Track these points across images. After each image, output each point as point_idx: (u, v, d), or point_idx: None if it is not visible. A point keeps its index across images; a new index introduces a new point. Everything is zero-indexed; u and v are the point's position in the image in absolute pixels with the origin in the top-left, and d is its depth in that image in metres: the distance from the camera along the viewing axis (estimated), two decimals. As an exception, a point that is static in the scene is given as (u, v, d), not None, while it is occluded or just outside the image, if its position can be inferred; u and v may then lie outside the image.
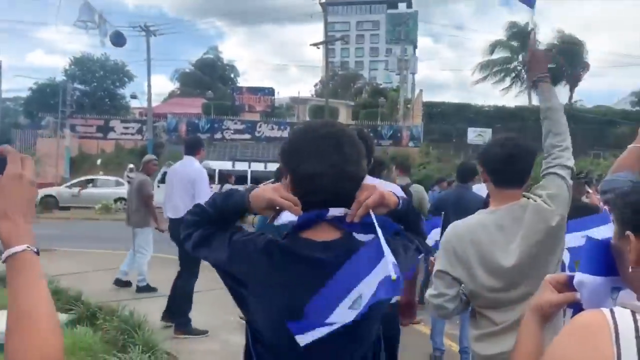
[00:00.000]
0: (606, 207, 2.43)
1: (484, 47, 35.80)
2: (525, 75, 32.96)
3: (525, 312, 1.19)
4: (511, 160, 2.06)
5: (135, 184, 7.09)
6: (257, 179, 14.41)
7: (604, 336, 0.91)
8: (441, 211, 4.59)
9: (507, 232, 2.02)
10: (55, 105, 29.11)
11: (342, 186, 1.29)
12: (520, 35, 32.83)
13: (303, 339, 1.19)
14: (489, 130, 27.89)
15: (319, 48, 34.11)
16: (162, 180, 14.32)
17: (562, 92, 33.71)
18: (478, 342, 2.08)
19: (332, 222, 1.31)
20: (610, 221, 1.21)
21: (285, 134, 27.13)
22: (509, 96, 41.47)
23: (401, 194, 1.61)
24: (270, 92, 33.56)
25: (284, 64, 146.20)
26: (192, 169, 5.32)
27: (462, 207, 4.06)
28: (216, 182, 14.69)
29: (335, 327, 1.20)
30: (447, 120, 31.90)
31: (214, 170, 16.14)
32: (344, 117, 34.15)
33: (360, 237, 1.32)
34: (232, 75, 52.64)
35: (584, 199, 5.31)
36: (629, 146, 2.02)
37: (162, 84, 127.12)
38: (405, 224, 1.46)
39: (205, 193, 5.09)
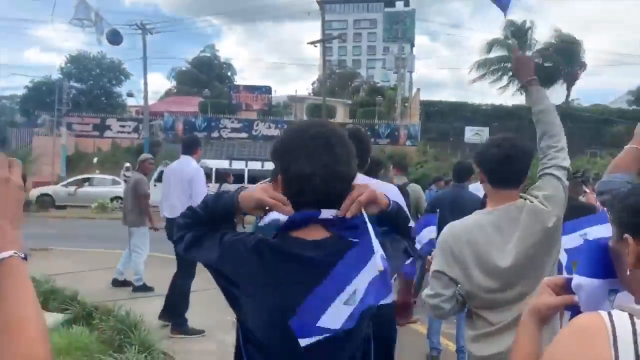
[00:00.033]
0: (603, 208, 2.42)
1: (481, 46, 35.75)
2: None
3: (522, 313, 1.19)
4: (508, 161, 2.05)
5: (132, 183, 7.08)
6: (254, 178, 14.36)
7: (602, 339, 0.90)
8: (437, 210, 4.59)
9: (504, 233, 2.02)
10: (52, 104, 28.98)
11: (332, 186, 1.29)
12: (518, 34, 32.82)
13: (305, 340, 1.19)
14: (487, 129, 27.96)
15: (316, 46, 34.12)
16: (159, 179, 14.29)
17: (559, 91, 33.80)
18: (474, 342, 2.08)
19: (322, 223, 1.31)
20: (607, 221, 1.21)
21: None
22: (506, 95, 41.65)
23: (394, 196, 1.61)
24: (268, 90, 33.52)
25: (281, 62, 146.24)
26: (189, 169, 5.31)
27: (459, 206, 4.07)
28: (213, 181, 14.66)
29: (335, 331, 1.20)
30: (444, 119, 31.94)
31: (211, 169, 16.12)
32: (341, 115, 34.15)
33: (349, 236, 1.32)
34: (229, 74, 52.65)
35: (581, 199, 5.32)
36: (626, 147, 2.01)
37: (159, 82, 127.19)
38: (395, 227, 1.46)
39: (202, 193, 5.08)
